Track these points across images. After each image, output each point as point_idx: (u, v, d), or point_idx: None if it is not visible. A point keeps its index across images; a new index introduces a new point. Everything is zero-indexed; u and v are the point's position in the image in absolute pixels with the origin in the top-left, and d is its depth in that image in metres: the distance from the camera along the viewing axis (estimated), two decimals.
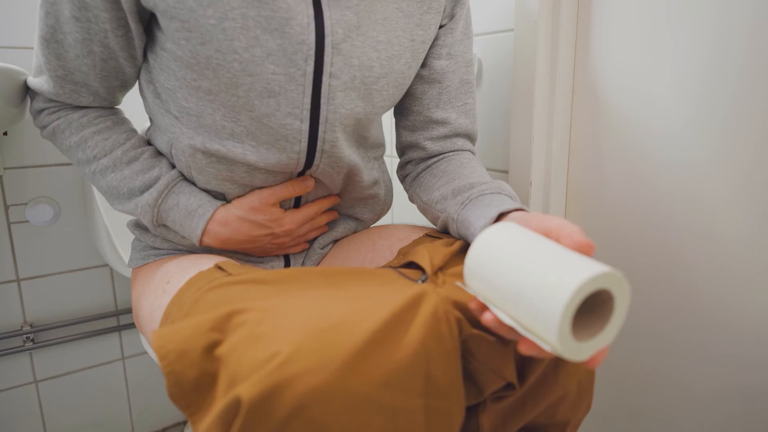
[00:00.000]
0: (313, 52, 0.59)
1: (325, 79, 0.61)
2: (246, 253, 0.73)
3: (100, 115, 0.69)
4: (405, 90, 0.71)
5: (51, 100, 0.67)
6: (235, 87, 0.59)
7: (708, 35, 0.67)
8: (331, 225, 0.80)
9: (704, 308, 0.73)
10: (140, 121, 0.75)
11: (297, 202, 0.73)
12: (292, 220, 0.71)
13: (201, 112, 0.61)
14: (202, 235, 0.67)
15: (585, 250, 0.45)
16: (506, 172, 0.92)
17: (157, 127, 0.68)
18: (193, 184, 0.68)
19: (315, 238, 0.79)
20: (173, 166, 0.69)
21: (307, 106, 0.61)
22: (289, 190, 0.68)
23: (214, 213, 0.66)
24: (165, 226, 0.70)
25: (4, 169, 1.04)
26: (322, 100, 0.62)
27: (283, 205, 0.71)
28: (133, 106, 0.74)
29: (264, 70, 0.58)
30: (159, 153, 0.70)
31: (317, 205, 0.73)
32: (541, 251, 0.44)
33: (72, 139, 0.67)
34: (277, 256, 0.76)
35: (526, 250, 0.45)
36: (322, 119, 0.63)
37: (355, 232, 0.82)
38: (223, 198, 0.69)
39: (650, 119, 0.75)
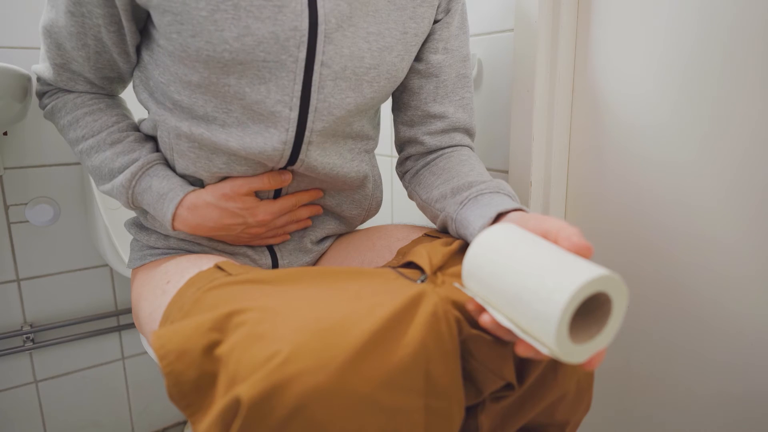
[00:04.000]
0: (306, 39, 0.59)
1: (316, 67, 0.61)
2: (221, 240, 0.73)
3: (94, 97, 0.71)
4: (398, 83, 0.71)
5: (51, 84, 0.70)
6: (226, 76, 0.59)
7: (710, 36, 0.67)
8: (320, 220, 0.79)
9: (703, 312, 0.73)
10: (139, 116, 0.75)
11: (277, 195, 0.72)
12: (267, 210, 0.70)
13: (193, 105, 0.62)
14: (173, 219, 0.67)
15: (583, 253, 0.45)
16: (506, 172, 0.92)
17: (149, 114, 0.69)
18: (173, 168, 0.69)
19: (303, 232, 0.78)
20: (156, 151, 0.70)
21: (297, 94, 0.62)
22: (264, 182, 0.68)
23: (183, 198, 0.66)
24: (144, 210, 0.71)
25: (4, 169, 1.04)
26: (313, 89, 0.62)
27: (261, 196, 0.71)
28: (133, 100, 0.75)
29: (255, 58, 0.59)
30: (145, 138, 0.71)
31: (296, 197, 0.72)
32: (540, 253, 0.44)
33: (66, 118, 0.69)
34: (262, 250, 0.76)
35: (524, 253, 0.45)
36: (311, 108, 0.63)
37: (346, 229, 0.82)
38: (200, 184, 0.69)
39: (651, 120, 0.75)
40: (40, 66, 0.69)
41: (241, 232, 0.70)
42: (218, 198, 0.67)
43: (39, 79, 0.71)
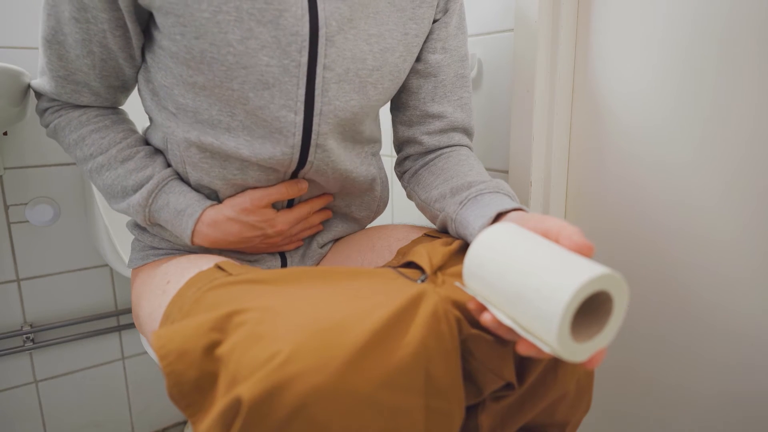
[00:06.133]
0: (307, 43, 0.59)
1: (319, 71, 0.61)
2: (238, 251, 0.73)
3: (99, 114, 0.69)
4: (401, 83, 0.71)
5: (54, 100, 0.68)
6: (230, 80, 0.59)
7: (712, 36, 0.67)
8: (328, 224, 0.80)
9: (702, 311, 0.73)
10: (141, 122, 0.75)
11: (290, 202, 0.72)
12: (285, 220, 0.70)
13: (197, 108, 0.62)
14: (192, 235, 0.67)
15: (585, 252, 0.45)
16: (506, 172, 0.92)
17: (155, 124, 0.69)
18: (187, 181, 0.68)
19: (312, 237, 0.79)
20: (168, 166, 0.69)
21: (302, 98, 0.62)
22: (282, 192, 0.68)
23: (201, 214, 0.66)
24: (160, 225, 0.70)
25: (4, 169, 1.04)
26: (317, 92, 0.62)
27: (275, 205, 0.71)
28: (134, 107, 0.75)
29: (258, 62, 0.59)
30: (155, 152, 0.70)
31: (310, 204, 0.73)
32: (541, 252, 0.44)
33: (71, 136, 0.68)
34: (273, 256, 0.76)
35: (526, 252, 0.45)
36: (316, 111, 0.63)
37: (353, 231, 0.82)
38: (215, 197, 0.69)
39: (651, 120, 0.75)
40: (39, 81, 0.67)
41: (259, 243, 0.71)
42: (239, 212, 0.67)
43: (40, 94, 0.69)
